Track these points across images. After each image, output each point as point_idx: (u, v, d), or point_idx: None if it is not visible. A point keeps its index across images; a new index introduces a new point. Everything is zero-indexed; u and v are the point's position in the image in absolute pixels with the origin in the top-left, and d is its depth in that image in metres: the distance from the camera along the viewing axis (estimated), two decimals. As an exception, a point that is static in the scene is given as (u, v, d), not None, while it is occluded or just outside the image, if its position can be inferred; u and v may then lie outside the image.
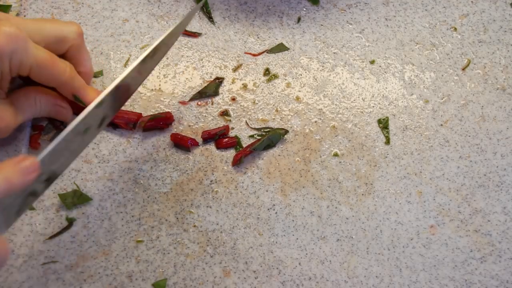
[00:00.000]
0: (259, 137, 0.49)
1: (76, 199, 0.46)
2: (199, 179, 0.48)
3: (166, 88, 0.50)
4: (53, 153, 0.37)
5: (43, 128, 0.48)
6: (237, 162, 0.48)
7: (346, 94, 0.51)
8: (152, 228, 0.46)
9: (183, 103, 0.50)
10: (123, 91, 0.43)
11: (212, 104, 0.50)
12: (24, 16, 0.51)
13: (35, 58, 0.39)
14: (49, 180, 0.39)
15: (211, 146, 0.49)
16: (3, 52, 0.37)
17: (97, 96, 0.42)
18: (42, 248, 0.45)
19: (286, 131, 0.49)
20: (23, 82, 0.45)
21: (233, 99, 0.51)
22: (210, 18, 0.53)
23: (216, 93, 0.50)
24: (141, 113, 0.48)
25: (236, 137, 0.49)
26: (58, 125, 0.49)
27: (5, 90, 0.41)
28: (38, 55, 0.39)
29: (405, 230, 0.47)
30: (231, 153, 0.49)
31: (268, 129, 0.49)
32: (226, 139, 0.48)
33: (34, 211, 0.46)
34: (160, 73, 0.51)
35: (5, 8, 0.52)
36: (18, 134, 0.48)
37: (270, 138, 0.48)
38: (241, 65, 0.52)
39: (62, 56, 0.43)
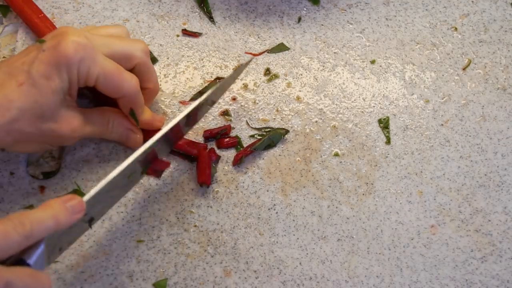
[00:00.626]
0: (259, 137, 0.49)
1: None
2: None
3: (167, 88, 0.50)
4: (98, 195, 0.39)
5: None
6: (237, 162, 0.48)
7: (347, 94, 0.51)
8: (153, 228, 0.46)
9: (183, 103, 0.50)
10: (174, 135, 0.45)
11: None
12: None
13: (102, 67, 0.40)
14: (91, 221, 0.40)
15: (212, 146, 0.49)
16: (71, 60, 0.38)
17: (150, 117, 0.45)
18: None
19: (287, 131, 0.49)
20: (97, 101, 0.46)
21: (234, 98, 0.51)
22: (210, 18, 0.53)
23: (216, 93, 0.50)
24: (169, 162, 0.48)
25: (236, 137, 0.49)
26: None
27: (74, 98, 0.42)
28: (106, 65, 0.40)
29: (405, 230, 0.47)
30: (231, 153, 0.49)
31: (268, 129, 0.49)
32: (227, 139, 0.48)
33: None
34: (160, 73, 0.51)
35: (5, 9, 0.52)
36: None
37: (271, 138, 0.48)
38: (241, 65, 0.52)
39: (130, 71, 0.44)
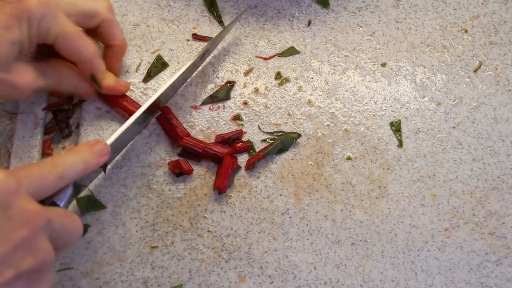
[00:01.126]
0: (271, 141, 0.49)
1: (90, 205, 0.46)
2: (212, 184, 0.47)
3: (177, 92, 0.50)
4: (117, 140, 0.43)
5: (54, 130, 0.48)
6: (250, 167, 0.48)
7: (358, 97, 0.51)
8: (167, 233, 0.46)
9: (194, 107, 0.50)
10: (179, 82, 0.48)
11: (224, 108, 0.50)
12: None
13: (63, 28, 0.41)
14: (105, 166, 0.43)
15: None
16: (33, 15, 0.39)
17: (114, 82, 0.46)
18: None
19: (299, 135, 0.49)
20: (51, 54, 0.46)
21: (245, 103, 0.50)
22: (220, 22, 0.53)
23: (227, 97, 0.50)
24: (192, 170, 0.48)
25: (249, 141, 0.49)
26: (63, 127, 0.49)
27: (31, 55, 0.42)
28: (66, 27, 0.41)
29: (419, 233, 0.47)
30: (244, 158, 0.49)
31: (280, 133, 0.49)
32: (240, 143, 0.48)
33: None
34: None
35: None
36: (31, 141, 0.48)
37: (283, 142, 0.48)
38: (252, 69, 0.52)
39: (94, 31, 0.45)
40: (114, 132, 0.43)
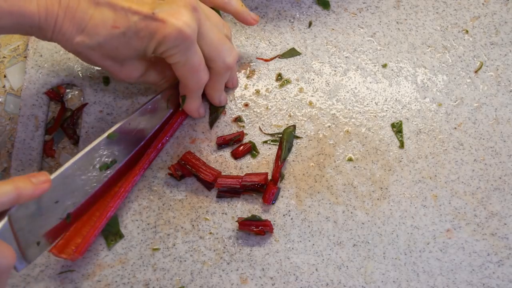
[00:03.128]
0: (273, 143, 0.49)
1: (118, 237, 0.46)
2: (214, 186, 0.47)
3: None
4: (63, 177, 0.40)
5: (55, 130, 0.48)
6: (278, 180, 0.48)
7: (359, 99, 0.51)
8: (168, 235, 0.46)
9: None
10: (130, 135, 0.45)
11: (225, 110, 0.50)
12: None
13: (187, 59, 0.41)
14: (68, 217, 0.41)
15: (225, 153, 0.49)
16: (165, 42, 0.39)
17: (195, 109, 0.47)
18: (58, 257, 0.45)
19: (294, 126, 0.49)
20: None
21: (246, 105, 0.50)
22: (221, 24, 0.53)
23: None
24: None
25: (250, 142, 0.49)
26: (71, 134, 0.49)
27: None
28: (191, 59, 0.41)
29: (421, 234, 0.47)
30: (245, 160, 0.49)
31: (279, 134, 0.49)
32: (241, 146, 0.48)
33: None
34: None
35: None
36: (32, 143, 0.48)
37: (289, 141, 0.48)
38: (253, 70, 0.52)
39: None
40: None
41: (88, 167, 0.42)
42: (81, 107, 0.49)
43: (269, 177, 0.48)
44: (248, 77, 0.51)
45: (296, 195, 0.48)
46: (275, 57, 0.52)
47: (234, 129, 0.49)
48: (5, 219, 0.35)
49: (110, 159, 0.44)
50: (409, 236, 0.47)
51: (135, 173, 0.45)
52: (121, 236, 0.45)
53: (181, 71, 0.42)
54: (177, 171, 0.47)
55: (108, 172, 0.44)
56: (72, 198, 0.41)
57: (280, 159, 0.48)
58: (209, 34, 0.42)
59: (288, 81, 0.51)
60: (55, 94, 0.49)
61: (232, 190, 0.47)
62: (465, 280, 0.46)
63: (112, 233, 0.45)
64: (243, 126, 0.50)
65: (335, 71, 0.52)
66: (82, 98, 0.50)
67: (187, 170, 0.46)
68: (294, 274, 0.46)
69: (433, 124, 0.51)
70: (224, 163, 0.48)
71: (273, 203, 0.47)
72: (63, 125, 0.49)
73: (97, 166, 0.43)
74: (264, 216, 0.47)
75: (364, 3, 0.54)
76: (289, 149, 0.49)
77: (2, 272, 0.33)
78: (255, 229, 0.45)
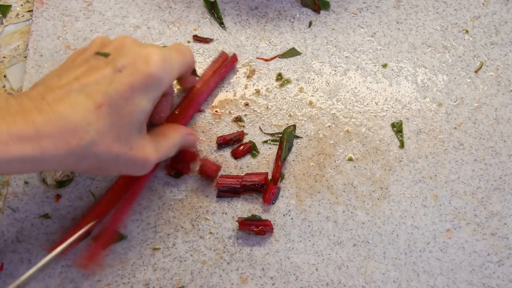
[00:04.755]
0: (273, 143, 0.49)
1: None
2: (214, 185, 0.47)
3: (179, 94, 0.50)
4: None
5: None
6: (278, 180, 0.48)
7: (359, 98, 0.51)
8: (168, 235, 0.46)
9: (198, 110, 0.50)
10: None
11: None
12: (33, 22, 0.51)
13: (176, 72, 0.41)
14: None
15: (226, 152, 0.49)
16: (161, 81, 0.37)
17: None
18: (58, 257, 0.45)
19: (294, 126, 0.49)
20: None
21: (246, 104, 0.50)
22: (221, 24, 0.53)
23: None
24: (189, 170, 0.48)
25: (250, 142, 0.49)
26: None
27: (145, 123, 0.40)
28: (175, 68, 0.40)
29: (421, 234, 0.47)
30: (245, 159, 0.49)
31: (279, 134, 0.49)
32: (241, 146, 0.48)
33: (50, 220, 0.46)
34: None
35: (5, 9, 0.52)
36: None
37: (289, 141, 0.48)
38: (253, 70, 0.52)
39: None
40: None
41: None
42: None
43: (269, 177, 0.48)
44: (248, 77, 0.51)
45: (296, 195, 0.48)
46: (275, 57, 0.52)
47: (234, 129, 0.49)
48: None
49: None
50: (409, 236, 0.47)
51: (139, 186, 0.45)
52: (121, 237, 0.45)
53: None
54: (172, 170, 0.47)
55: None
56: None
57: (280, 159, 0.48)
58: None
59: (288, 81, 0.51)
60: None
61: (232, 190, 0.47)
62: (465, 280, 0.46)
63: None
64: (243, 126, 0.50)
65: (335, 71, 0.52)
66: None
67: (182, 164, 0.46)
68: (294, 274, 0.46)
69: (433, 124, 0.51)
70: (224, 163, 0.48)
71: (273, 203, 0.47)
72: None
73: None
74: (264, 216, 0.47)
75: (364, 3, 0.54)
76: (289, 149, 0.49)
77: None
78: (255, 229, 0.45)
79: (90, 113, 0.34)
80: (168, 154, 0.42)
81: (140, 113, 0.37)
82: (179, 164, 0.47)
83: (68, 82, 0.35)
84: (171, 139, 0.42)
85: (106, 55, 0.37)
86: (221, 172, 0.48)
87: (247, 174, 0.47)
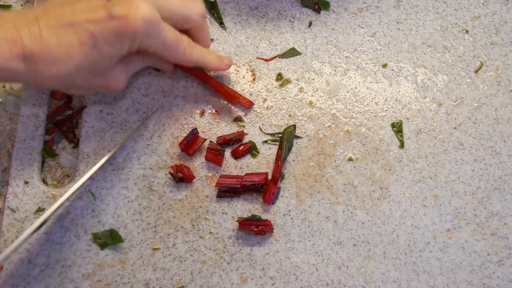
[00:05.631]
0: (273, 143, 0.49)
1: (110, 240, 0.46)
2: (214, 185, 0.47)
3: (179, 94, 0.50)
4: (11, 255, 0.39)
5: (55, 130, 0.49)
6: (278, 180, 0.48)
7: (359, 98, 0.51)
8: (168, 235, 0.46)
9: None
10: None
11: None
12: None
13: (163, 41, 0.41)
14: None
15: (225, 152, 0.49)
16: (137, 35, 0.39)
17: (217, 59, 0.47)
18: (58, 257, 0.45)
19: (294, 126, 0.49)
20: None
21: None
22: (221, 24, 0.53)
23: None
24: (193, 177, 0.48)
25: (250, 142, 0.49)
26: (71, 138, 0.49)
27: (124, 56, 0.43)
28: (166, 37, 0.41)
29: (421, 234, 0.47)
30: (245, 159, 0.49)
31: (279, 134, 0.49)
32: (241, 146, 0.48)
33: (50, 220, 0.46)
34: (173, 79, 0.51)
35: (5, 8, 0.52)
36: (32, 143, 0.48)
37: (289, 141, 0.48)
38: (254, 70, 0.51)
39: (185, 31, 0.45)
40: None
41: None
42: (80, 109, 0.49)
43: (269, 177, 0.48)
44: (247, 73, 0.51)
45: (296, 195, 0.48)
46: (275, 57, 0.52)
47: (234, 129, 0.49)
48: None
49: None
50: (409, 236, 0.47)
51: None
52: (119, 240, 0.45)
53: (166, 53, 0.42)
54: (178, 173, 0.47)
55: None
56: None
57: (280, 159, 0.48)
58: (168, 2, 0.42)
59: (288, 81, 0.51)
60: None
61: (232, 190, 0.47)
62: (465, 280, 0.46)
63: (110, 237, 0.45)
64: (243, 126, 0.50)
65: (335, 71, 0.52)
66: (82, 98, 0.50)
67: (187, 174, 0.46)
68: (294, 274, 0.46)
69: (433, 124, 0.51)
70: (224, 162, 0.48)
71: (273, 203, 0.47)
72: (62, 128, 0.49)
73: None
74: (264, 216, 0.47)
75: (364, 3, 0.54)
76: (289, 149, 0.49)
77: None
78: (255, 229, 0.45)
79: (73, 48, 0.38)
80: (140, 66, 0.46)
81: (119, 57, 0.40)
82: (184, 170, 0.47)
83: (65, 14, 0.38)
84: (145, 62, 0.46)
85: None
86: (221, 172, 0.48)
87: (247, 174, 0.47)
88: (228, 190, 0.47)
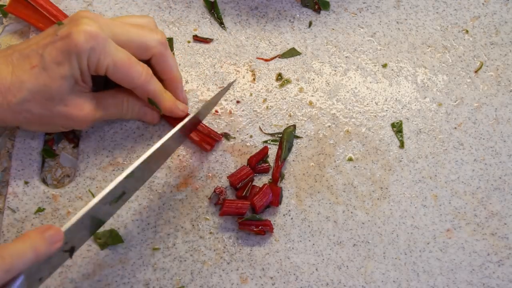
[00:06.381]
0: (273, 143, 0.49)
1: (110, 240, 0.45)
2: (213, 186, 0.47)
3: (179, 94, 0.50)
4: (78, 224, 0.37)
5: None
6: (278, 180, 0.48)
7: (359, 98, 0.51)
8: (168, 235, 0.46)
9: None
10: (150, 164, 0.43)
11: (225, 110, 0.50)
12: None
13: (112, 58, 0.40)
14: (72, 250, 0.39)
15: (226, 153, 0.49)
16: (81, 50, 0.39)
17: (173, 105, 0.45)
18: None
19: (294, 126, 0.49)
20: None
21: (238, 102, 0.50)
22: (221, 24, 0.53)
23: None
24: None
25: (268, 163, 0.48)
26: (71, 138, 0.49)
27: (88, 87, 0.43)
28: (117, 56, 0.41)
29: (421, 234, 0.47)
30: (244, 159, 0.49)
31: (279, 134, 0.49)
32: (261, 166, 0.48)
33: (50, 220, 0.46)
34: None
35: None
36: (32, 143, 0.48)
37: (289, 141, 0.48)
38: (253, 70, 0.51)
39: (147, 62, 0.44)
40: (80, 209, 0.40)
41: (102, 206, 0.40)
42: None
43: (269, 177, 0.48)
44: (247, 73, 0.51)
45: (296, 195, 0.48)
46: (275, 57, 0.52)
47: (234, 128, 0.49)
48: (21, 279, 0.34)
49: (120, 192, 0.41)
50: (409, 236, 0.47)
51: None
52: (119, 240, 0.45)
53: (117, 75, 0.41)
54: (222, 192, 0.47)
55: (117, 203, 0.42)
56: (79, 236, 0.39)
57: (280, 159, 0.48)
58: (122, 28, 0.42)
59: (288, 81, 0.51)
60: None
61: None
62: (465, 280, 0.46)
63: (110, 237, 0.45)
64: (234, 138, 0.50)
65: (335, 71, 0.52)
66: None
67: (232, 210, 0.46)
68: (294, 274, 0.46)
69: (433, 124, 0.51)
70: (224, 163, 0.48)
71: (280, 203, 0.47)
72: None
73: (108, 201, 0.40)
74: (264, 216, 0.47)
75: (364, 3, 0.54)
76: (289, 149, 0.49)
77: None
78: (255, 228, 0.45)
79: (25, 73, 0.39)
80: (116, 112, 0.45)
81: (70, 77, 0.40)
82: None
83: (23, 46, 0.41)
84: (120, 98, 0.45)
85: (60, 23, 0.41)
86: (222, 172, 0.48)
87: (252, 199, 0.46)
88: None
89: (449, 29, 0.54)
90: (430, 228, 0.47)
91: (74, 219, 0.37)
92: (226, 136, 0.49)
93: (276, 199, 0.46)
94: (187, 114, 0.47)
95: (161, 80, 0.45)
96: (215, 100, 0.47)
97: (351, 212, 0.47)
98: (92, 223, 0.40)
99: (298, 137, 0.49)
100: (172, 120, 0.48)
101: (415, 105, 0.51)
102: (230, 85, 0.47)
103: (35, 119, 0.41)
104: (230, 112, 0.50)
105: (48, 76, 0.39)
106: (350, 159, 0.49)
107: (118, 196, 0.40)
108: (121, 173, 0.39)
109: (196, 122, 0.47)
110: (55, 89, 0.40)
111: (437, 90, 0.52)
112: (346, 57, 0.53)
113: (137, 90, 0.43)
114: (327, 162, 0.49)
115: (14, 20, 0.53)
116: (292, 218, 0.47)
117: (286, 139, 0.48)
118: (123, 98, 0.45)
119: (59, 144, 0.49)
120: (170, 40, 0.52)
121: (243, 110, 0.50)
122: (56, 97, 0.40)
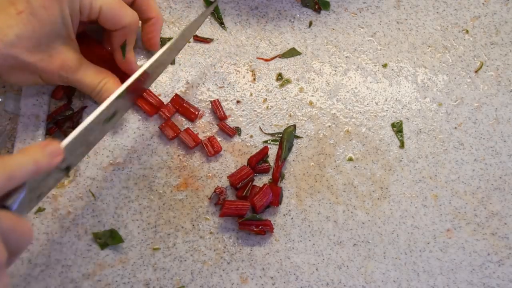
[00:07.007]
0: (273, 143, 0.49)
1: (111, 239, 0.45)
2: (214, 186, 0.47)
3: (179, 94, 0.50)
4: (75, 141, 0.39)
5: (55, 130, 0.48)
6: (278, 180, 0.48)
7: (359, 98, 0.51)
8: (168, 235, 0.46)
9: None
10: (141, 82, 0.45)
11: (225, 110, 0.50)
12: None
13: (104, 0, 0.42)
14: (68, 169, 0.41)
15: (226, 153, 0.49)
16: None
17: (133, 59, 0.47)
18: (59, 257, 0.45)
19: (294, 126, 0.49)
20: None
21: (238, 101, 0.50)
22: (221, 24, 0.53)
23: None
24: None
25: (268, 163, 0.48)
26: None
27: (74, 31, 0.43)
28: None
29: (421, 234, 0.47)
30: (245, 159, 0.49)
31: (279, 133, 0.49)
32: (261, 166, 0.48)
33: (50, 220, 0.46)
34: (172, 79, 0.51)
35: None
36: (32, 143, 0.48)
37: (289, 141, 0.48)
38: (254, 70, 0.51)
39: (131, 6, 0.46)
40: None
41: (96, 125, 0.42)
42: (81, 109, 0.49)
43: (270, 177, 0.48)
44: (247, 73, 0.51)
45: (297, 195, 0.48)
46: (275, 57, 0.52)
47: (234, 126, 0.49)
48: (24, 193, 0.35)
49: (112, 112, 0.44)
50: (410, 236, 0.47)
51: None
52: (119, 240, 0.45)
53: (108, 16, 0.43)
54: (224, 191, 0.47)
55: (109, 123, 0.44)
56: (75, 154, 0.41)
57: (281, 159, 0.48)
58: None
59: (288, 81, 0.51)
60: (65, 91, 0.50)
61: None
62: (465, 280, 0.46)
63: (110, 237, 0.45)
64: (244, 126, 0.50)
65: (335, 71, 0.52)
66: (82, 98, 0.50)
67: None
68: (294, 274, 0.46)
69: (433, 124, 0.51)
70: (224, 163, 0.48)
71: (280, 203, 0.47)
72: (62, 128, 0.49)
73: (102, 120, 0.42)
74: (264, 216, 0.47)
75: (364, 3, 0.54)
76: (290, 149, 0.49)
77: (24, 247, 0.33)
78: (255, 228, 0.45)
79: (11, 18, 0.39)
80: (90, 86, 0.45)
81: (60, 22, 0.40)
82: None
83: None
84: (101, 76, 0.45)
85: None
86: (222, 172, 0.48)
87: (252, 200, 0.46)
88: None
89: (449, 29, 0.54)
90: (430, 228, 0.47)
91: (72, 135, 0.39)
92: (238, 130, 0.49)
93: (276, 199, 0.46)
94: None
95: (145, 22, 0.48)
96: (194, 27, 0.48)
97: (351, 212, 0.47)
98: (86, 142, 0.42)
99: (298, 137, 0.49)
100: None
101: (415, 105, 0.51)
102: (212, 7, 0.49)
103: (18, 65, 0.41)
104: (230, 114, 0.50)
105: (37, 21, 0.39)
106: (350, 159, 0.49)
107: (110, 116, 0.43)
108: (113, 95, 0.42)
109: (180, 47, 0.49)
110: (43, 34, 0.40)
111: (437, 90, 0.52)
112: (346, 57, 0.53)
113: (121, 32, 0.45)
114: (327, 162, 0.49)
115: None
116: (292, 218, 0.47)
117: (286, 139, 0.48)
118: (103, 79, 0.46)
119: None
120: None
121: (243, 110, 0.50)
122: (42, 42, 0.40)
